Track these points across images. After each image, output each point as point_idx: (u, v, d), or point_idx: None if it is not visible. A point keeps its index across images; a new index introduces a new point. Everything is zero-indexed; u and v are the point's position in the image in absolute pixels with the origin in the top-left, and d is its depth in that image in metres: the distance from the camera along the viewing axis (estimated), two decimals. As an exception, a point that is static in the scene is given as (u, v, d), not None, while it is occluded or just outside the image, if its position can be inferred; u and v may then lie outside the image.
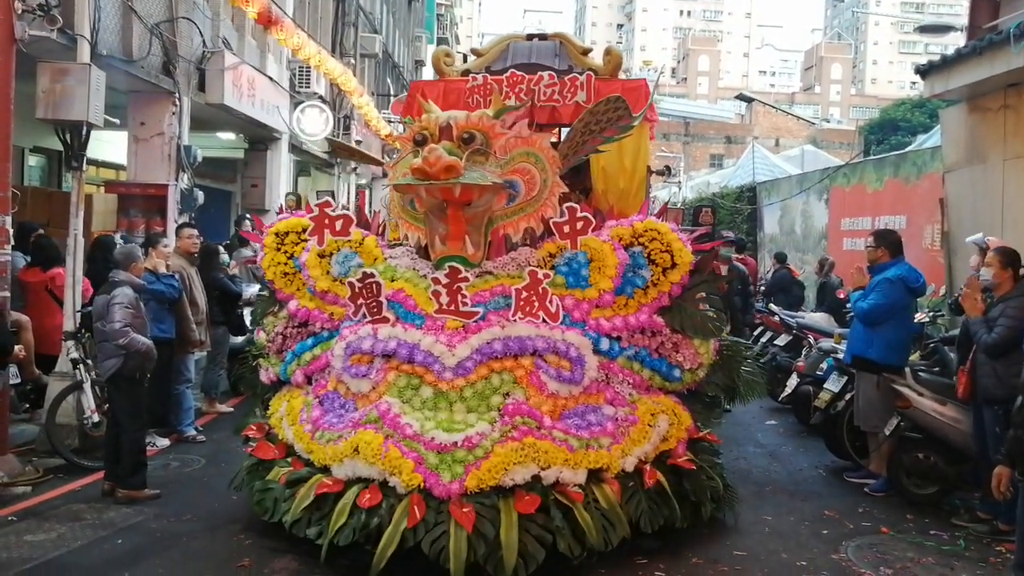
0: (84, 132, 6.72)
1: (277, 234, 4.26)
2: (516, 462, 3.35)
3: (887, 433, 5.09)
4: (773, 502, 4.60)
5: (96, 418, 5.30)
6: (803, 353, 7.82)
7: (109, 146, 10.53)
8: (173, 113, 9.35)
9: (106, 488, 4.55)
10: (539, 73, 5.21)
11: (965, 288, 4.52)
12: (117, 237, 7.42)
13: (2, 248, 5.81)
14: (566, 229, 3.87)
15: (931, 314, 7.50)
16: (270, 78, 11.97)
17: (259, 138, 12.38)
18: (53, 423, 5.75)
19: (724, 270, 6.06)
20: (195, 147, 9.71)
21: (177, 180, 8.61)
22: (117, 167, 11.35)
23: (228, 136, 12.46)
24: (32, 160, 11.06)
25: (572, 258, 3.87)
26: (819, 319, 8.55)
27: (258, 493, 3.75)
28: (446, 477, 3.28)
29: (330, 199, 4.07)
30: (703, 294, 4.15)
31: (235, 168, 13.04)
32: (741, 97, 50.87)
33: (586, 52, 5.82)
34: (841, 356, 5.93)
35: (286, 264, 4.22)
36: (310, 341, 4.12)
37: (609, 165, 5.34)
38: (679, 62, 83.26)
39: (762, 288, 12.33)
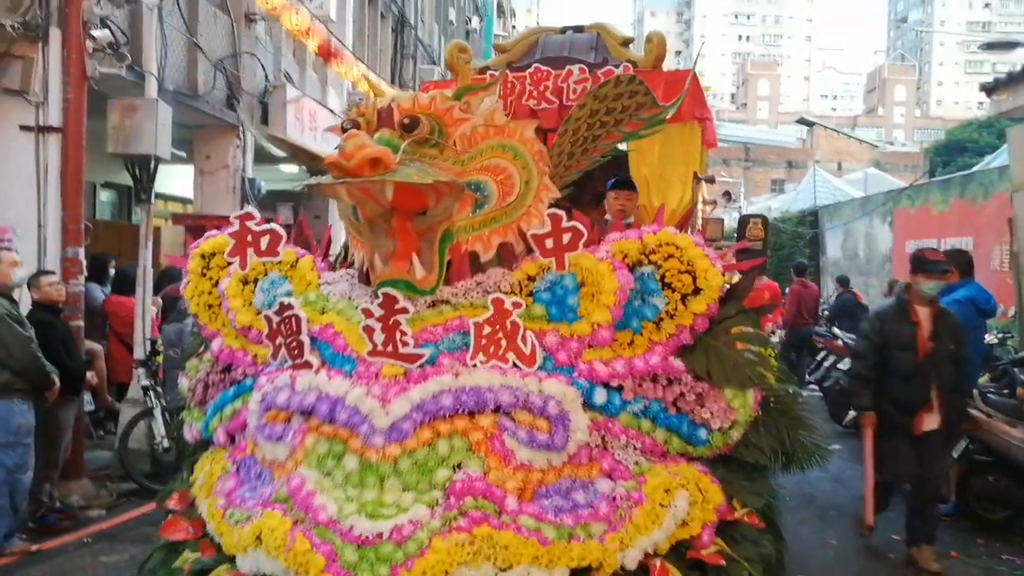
0: (152, 166, 6.98)
1: (203, 256, 3.32)
2: (462, 561, 2.31)
3: (956, 456, 5.02)
4: (838, 526, 4.58)
5: (166, 443, 5.58)
6: None
7: (176, 180, 10.75)
8: (237, 146, 9.70)
9: None
10: (568, 68, 4.27)
11: None
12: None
13: (76, 279, 6.23)
14: (548, 243, 2.81)
15: (1000, 336, 7.57)
16: (331, 111, 12.30)
17: (321, 170, 12.39)
18: (125, 449, 6.07)
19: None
20: (259, 179, 9.85)
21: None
22: (184, 200, 11.87)
23: (291, 169, 12.71)
24: (104, 195, 11.78)
25: (556, 282, 2.80)
26: None
27: (165, 583, 2.83)
28: (365, 581, 2.29)
29: (253, 211, 3.10)
30: (740, 328, 3.06)
31: (299, 200, 12.92)
32: (802, 121, 49.44)
33: (627, 42, 4.87)
34: None
35: (210, 293, 3.27)
36: (231, 391, 3.14)
37: (653, 174, 4.35)
38: (738, 87, 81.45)
39: (825, 312, 12.14)
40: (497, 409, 2.59)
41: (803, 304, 11.83)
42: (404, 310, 2.61)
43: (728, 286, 3.05)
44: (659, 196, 4.33)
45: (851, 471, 6.41)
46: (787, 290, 12.24)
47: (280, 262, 3.10)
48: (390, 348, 2.64)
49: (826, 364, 9.52)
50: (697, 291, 2.86)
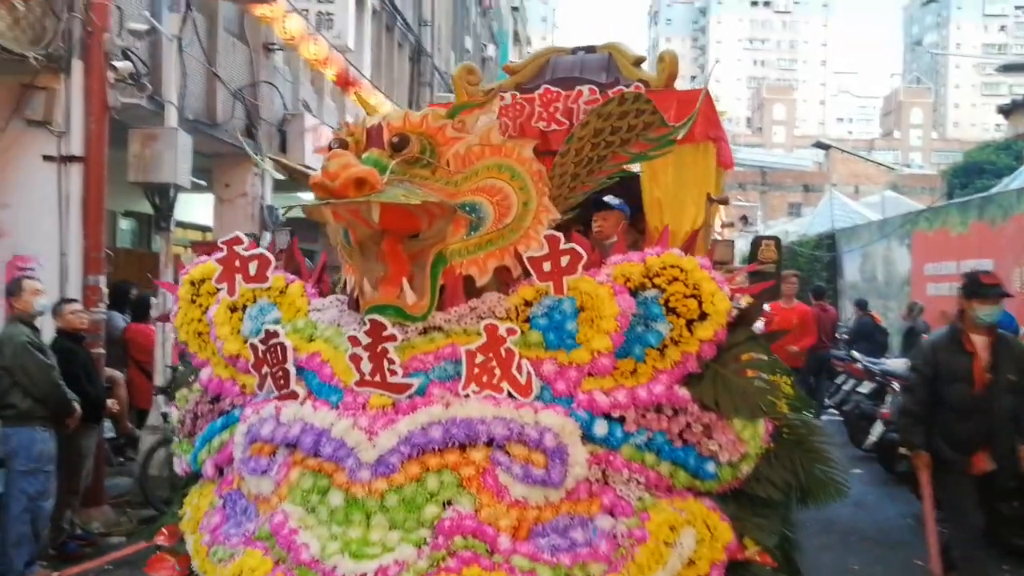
0: (172, 194, 7.06)
1: (193, 283, 3.20)
2: (450, 605, 2.17)
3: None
4: (859, 551, 4.51)
5: None
6: (887, 400, 7.68)
7: (196, 207, 10.78)
8: (256, 174, 9.76)
9: None
10: (578, 88, 4.16)
11: None
12: None
13: (97, 307, 6.28)
14: (546, 267, 2.67)
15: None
16: (348, 139, 12.51)
17: (339, 196, 12.71)
18: (146, 475, 6.13)
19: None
20: (278, 207, 9.94)
21: (260, 239, 8.55)
22: (203, 228, 11.96)
23: (309, 196, 12.84)
24: (124, 223, 11.94)
25: (554, 307, 2.65)
26: (903, 365, 8.19)
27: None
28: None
29: (241, 235, 2.98)
30: (750, 355, 2.89)
31: (317, 227, 12.96)
32: (818, 145, 49.32)
33: (639, 62, 4.73)
34: None
35: (200, 321, 3.15)
36: (219, 422, 3.01)
37: (666, 195, 4.20)
38: (754, 112, 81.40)
39: (844, 336, 12.05)
40: (490, 442, 2.44)
41: (822, 328, 11.69)
42: (392, 337, 2.47)
43: (737, 310, 2.90)
44: (673, 219, 4.19)
45: (872, 495, 6.32)
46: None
47: (269, 288, 2.97)
48: (378, 378, 2.50)
49: (845, 388, 9.36)
50: (703, 316, 2.70)
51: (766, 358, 2.92)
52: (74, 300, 5.89)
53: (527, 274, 2.76)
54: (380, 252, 2.66)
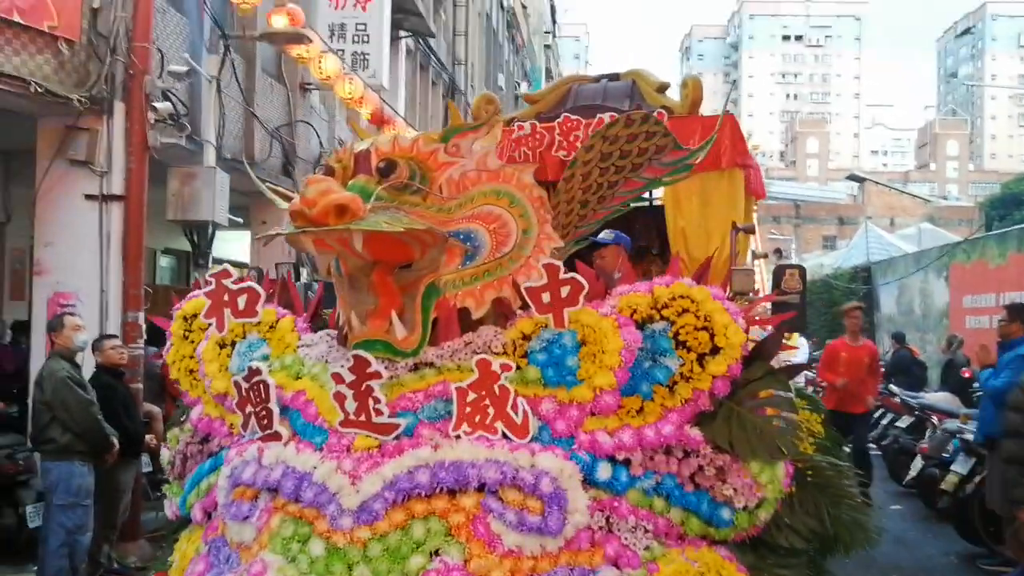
0: (210, 232, 7.23)
1: (185, 318, 3.07)
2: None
3: (1025, 517, 4.40)
4: None
5: None
6: (927, 435, 7.63)
7: (233, 245, 10.96)
8: None
9: None
10: (599, 116, 4.03)
11: None
12: None
13: (135, 343, 6.35)
14: (545, 298, 2.50)
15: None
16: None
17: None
18: None
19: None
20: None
21: (298, 276, 8.54)
22: (241, 265, 12.06)
23: None
24: (163, 260, 12.22)
25: (553, 341, 2.46)
26: (942, 399, 8.38)
27: None
28: None
29: (229, 268, 2.85)
30: (768, 391, 2.68)
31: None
32: (852, 177, 48.74)
33: (662, 88, 4.62)
34: (968, 437, 5.67)
35: (191, 357, 3.02)
36: (208, 464, 2.86)
37: (690, 224, 4.03)
38: (787, 145, 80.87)
39: (881, 369, 11.76)
40: (481, 487, 2.25)
41: None
42: (376, 375, 2.30)
43: (754, 343, 2.69)
44: (697, 248, 4.00)
45: (913, 532, 6.15)
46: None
47: (259, 323, 2.83)
48: (363, 417, 2.33)
49: (883, 422, 9.18)
50: (716, 350, 2.50)
51: (786, 394, 2.71)
52: (114, 336, 5.96)
53: (527, 306, 2.59)
54: (371, 284, 2.51)
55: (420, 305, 2.46)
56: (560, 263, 2.48)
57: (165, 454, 3.16)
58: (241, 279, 2.90)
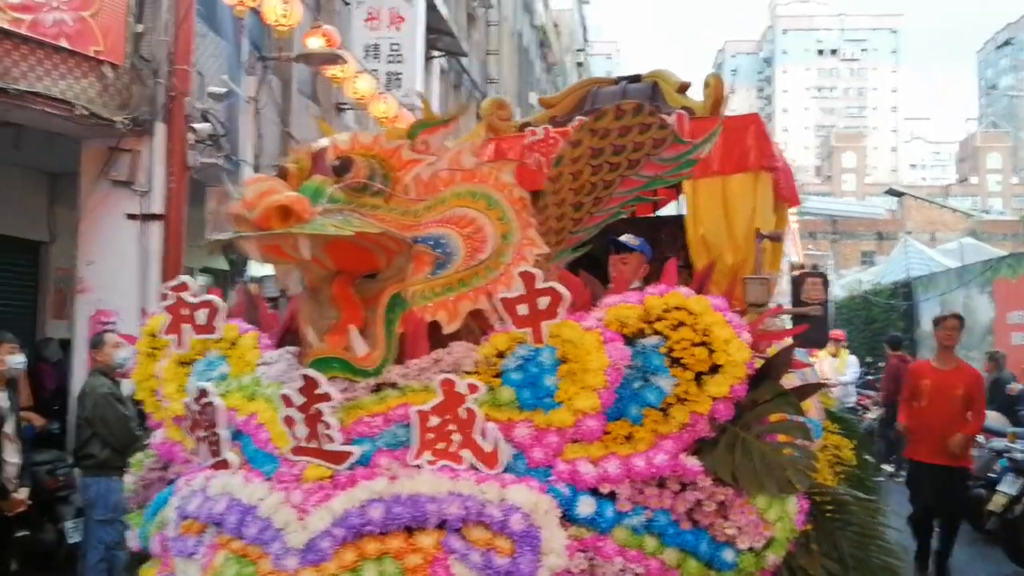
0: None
1: (153, 335, 2.86)
2: None
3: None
4: None
5: None
6: (972, 455, 6.92)
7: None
8: None
9: None
10: None
11: None
12: None
13: None
14: (522, 309, 2.23)
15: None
16: (418, 196, 13.07)
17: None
18: None
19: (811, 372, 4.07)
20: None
21: None
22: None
23: None
24: (201, 279, 12.15)
25: (529, 358, 2.20)
26: (988, 417, 7.71)
27: None
28: None
29: (188, 280, 2.63)
30: (780, 415, 2.37)
31: None
32: (891, 192, 47.72)
33: (683, 88, 4.36)
34: (1017, 456, 5.72)
35: (156, 377, 2.80)
36: (166, 492, 2.63)
37: (711, 232, 3.75)
38: (823, 160, 79.65)
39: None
40: (443, 524, 1.98)
41: (901, 379, 10.92)
42: (325, 396, 2.04)
43: (762, 361, 2.40)
44: (719, 257, 3.71)
45: (962, 555, 6.15)
46: (883, 365, 11.49)
47: (221, 340, 2.60)
48: (314, 444, 2.08)
49: None
50: (716, 368, 2.20)
51: (799, 419, 2.40)
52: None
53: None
54: (331, 296, 2.27)
55: (383, 319, 2.21)
56: (537, 271, 2.20)
57: (128, 480, 2.93)
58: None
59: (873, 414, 11.89)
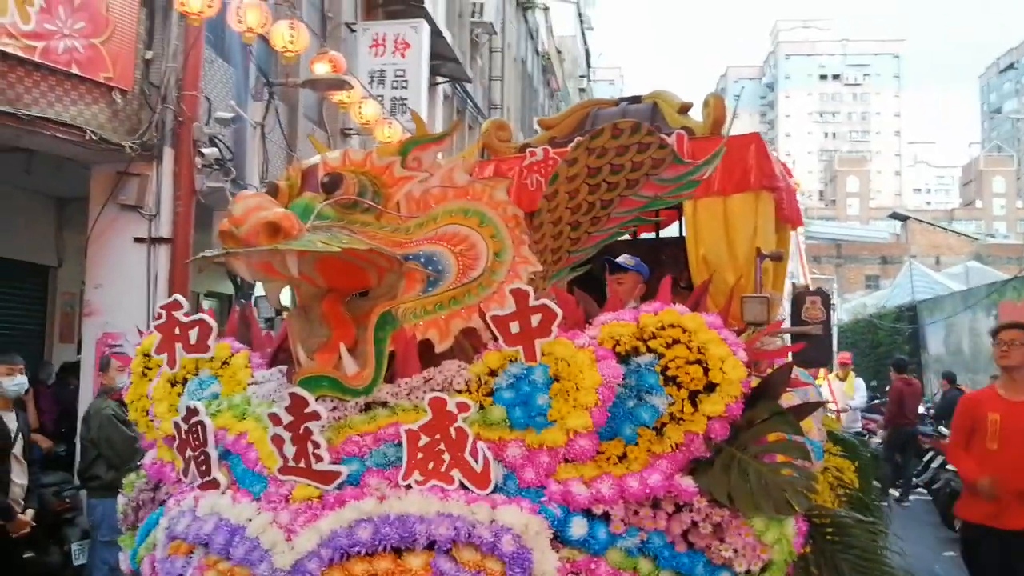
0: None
1: (146, 355, 2.83)
2: None
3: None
4: None
5: None
6: None
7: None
8: None
9: None
10: None
11: None
12: None
13: None
14: (513, 327, 2.19)
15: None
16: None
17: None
18: None
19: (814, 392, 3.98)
20: None
21: None
22: (283, 308, 12.22)
23: None
24: (206, 304, 12.44)
25: (521, 376, 2.15)
26: None
27: None
28: None
29: (180, 299, 2.61)
30: (777, 435, 2.32)
31: None
32: (895, 216, 47.67)
33: (684, 109, 4.36)
34: None
35: (148, 397, 2.77)
36: (157, 513, 2.58)
37: (712, 252, 3.72)
38: (827, 184, 79.66)
39: (929, 411, 11.21)
40: (432, 545, 1.93)
41: (905, 402, 10.84)
42: (314, 415, 2.00)
43: (759, 379, 2.34)
44: (722, 281, 3.67)
45: None
46: (887, 388, 11.38)
47: (212, 359, 2.57)
48: (302, 464, 2.04)
49: (934, 465, 9.02)
50: (712, 387, 2.16)
51: (798, 439, 2.35)
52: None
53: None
54: (322, 314, 2.24)
55: (372, 336, 2.17)
56: (528, 288, 2.17)
57: (121, 502, 2.89)
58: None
59: (878, 438, 11.78)
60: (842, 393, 10.96)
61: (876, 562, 2.50)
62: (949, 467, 8.19)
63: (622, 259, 3.66)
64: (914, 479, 10.18)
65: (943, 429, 9.12)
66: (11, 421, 5.05)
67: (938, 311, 18.01)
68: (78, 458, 5.79)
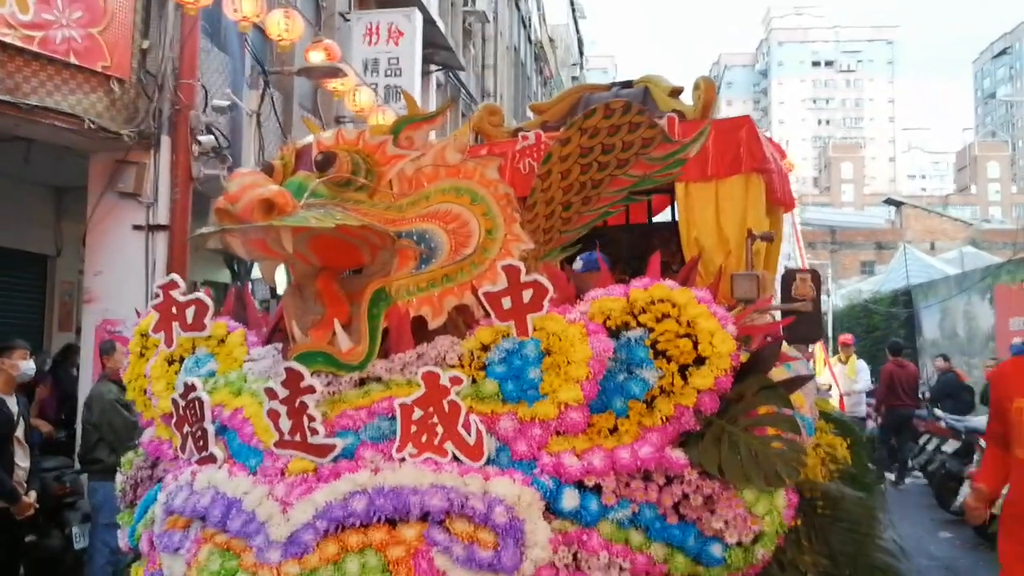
0: (249, 261, 6.90)
1: (143, 335, 2.84)
2: None
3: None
4: None
5: None
6: (975, 459, 7.14)
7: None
8: None
9: None
10: None
11: None
12: None
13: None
14: (506, 303, 2.20)
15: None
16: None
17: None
18: None
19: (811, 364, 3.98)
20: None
21: None
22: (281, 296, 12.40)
23: None
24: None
25: (513, 351, 2.16)
26: None
27: None
28: None
29: (177, 279, 2.61)
30: (767, 408, 2.34)
31: None
32: (890, 201, 47.49)
33: (675, 93, 4.34)
34: None
35: (145, 376, 2.78)
36: (154, 490, 2.60)
37: (704, 234, 3.73)
38: (821, 171, 79.54)
39: (925, 394, 11.13)
40: (425, 516, 1.94)
41: (898, 384, 10.82)
42: (310, 389, 2.01)
43: (748, 353, 2.36)
44: (714, 262, 3.68)
45: (964, 560, 5.90)
46: (880, 369, 11.36)
47: (209, 337, 2.57)
48: (297, 437, 2.05)
49: (929, 447, 8.77)
50: (701, 360, 2.17)
51: (787, 412, 2.36)
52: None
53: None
54: (316, 291, 2.25)
55: (366, 313, 2.18)
56: (520, 264, 2.17)
57: (119, 480, 2.91)
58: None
59: (873, 422, 11.72)
60: (844, 376, 10.83)
61: (866, 535, 2.52)
62: (944, 449, 8.22)
63: (575, 266, 3.64)
64: (910, 462, 10.21)
65: (938, 411, 9.14)
66: (13, 405, 5.07)
67: (933, 295, 17.99)
68: (79, 442, 5.81)
